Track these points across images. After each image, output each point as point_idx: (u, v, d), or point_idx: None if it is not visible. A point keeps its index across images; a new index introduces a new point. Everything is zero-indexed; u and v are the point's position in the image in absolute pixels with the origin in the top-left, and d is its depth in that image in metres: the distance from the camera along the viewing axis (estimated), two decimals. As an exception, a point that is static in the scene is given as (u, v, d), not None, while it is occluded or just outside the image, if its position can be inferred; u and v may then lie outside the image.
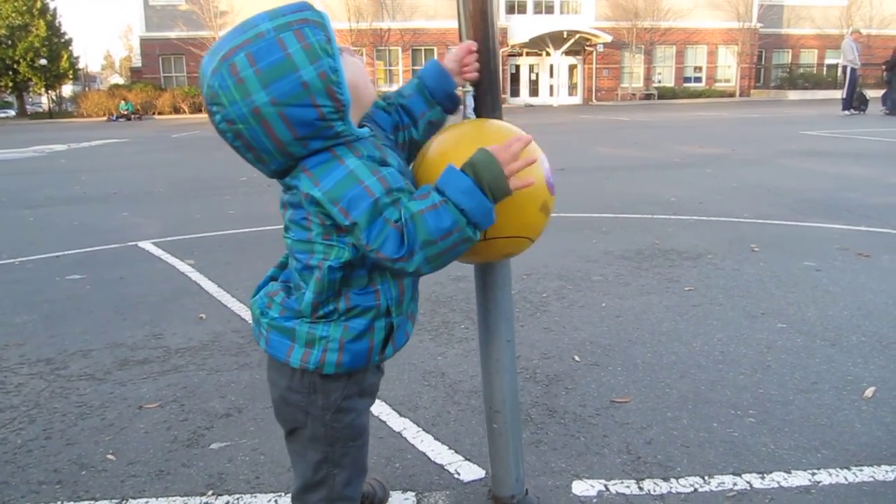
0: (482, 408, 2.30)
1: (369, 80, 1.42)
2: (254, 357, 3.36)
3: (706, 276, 4.42)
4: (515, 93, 40.80)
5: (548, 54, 39.33)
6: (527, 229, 1.58)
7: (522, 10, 40.01)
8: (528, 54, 40.24)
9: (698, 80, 42.60)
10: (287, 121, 1.23)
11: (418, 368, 3.15)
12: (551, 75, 40.28)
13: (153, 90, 38.98)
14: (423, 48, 39.80)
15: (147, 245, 5.90)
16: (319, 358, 1.37)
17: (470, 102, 1.65)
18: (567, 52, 39.29)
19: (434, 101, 1.58)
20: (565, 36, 37.37)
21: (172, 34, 38.99)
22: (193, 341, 3.54)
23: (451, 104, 1.61)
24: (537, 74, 41.05)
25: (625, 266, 4.73)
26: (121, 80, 58.23)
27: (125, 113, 36.33)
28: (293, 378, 1.42)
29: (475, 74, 1.61)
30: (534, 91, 40.97)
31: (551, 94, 40.17)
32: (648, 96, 40.00)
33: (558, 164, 10.70)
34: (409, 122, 1.57)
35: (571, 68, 41.47)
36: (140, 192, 9.14)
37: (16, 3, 43.02)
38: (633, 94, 40.36)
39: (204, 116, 35.57)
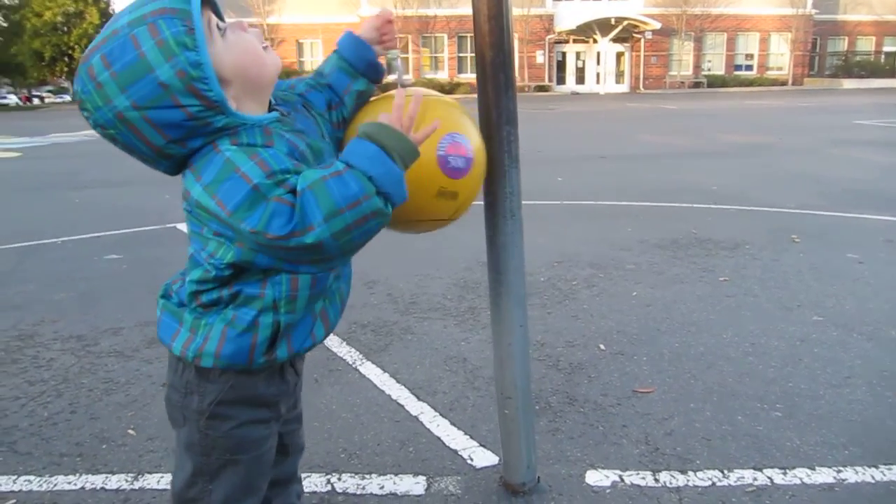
0: (498, 394, 2.27)
1: (264, 55, 1.26)
2: (279, 338, 3.37)
3: (742, 267, 4.30)
4: (561, 80, 40.33)
5: (595, 41, 38.75)
6: (423, 214, 1.47)
7: (570, -4, 39.54)
8: (574, 41, 39.71)
9: (749, 68, 41.53)
10: (154, 125, 1.13)
11: (440, 353, 3.13)
12: (598, 63, 39.71)
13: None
14: (468, 35, 39.44)
15: (185, 227, 5.99)
16: (199, 346, 1.26)
17: (400, 66, 1.57)
18: (615, 40, 38.65)
19: (356, 71, 1.49)
20: (613, 23, 36.75)
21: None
22: (221, 322, 3.57)
23: (374, 73, 1.51)
24: (584, 62, 40.50)
25: (659, 255, 4.64)
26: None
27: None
28: (174, 374, 1.33)
29: (394, 43, 1.53)
30: (580, 79, 40.44)
31: (598, 81, 39.62)
32: (697, 84, 39.18)
33: (600, 150, 10.57)
34: (338, 99, 1.48)
35: (619, 56, 40.80)
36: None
37: (69, -10, 43.97)
38: (682, 83, 39.57)
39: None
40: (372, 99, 1.54)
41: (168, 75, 1.10)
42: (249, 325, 1.25)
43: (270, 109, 1.31)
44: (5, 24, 46.01)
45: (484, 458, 2.27)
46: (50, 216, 6.80)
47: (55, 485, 2.20)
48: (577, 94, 37.32)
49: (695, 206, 6.25)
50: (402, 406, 2.65)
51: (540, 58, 39.16)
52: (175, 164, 1.22)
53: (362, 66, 1.49)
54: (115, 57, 1.10)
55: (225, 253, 1.20)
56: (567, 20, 37.66)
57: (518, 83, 34.34)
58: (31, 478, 2.24)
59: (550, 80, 39.68)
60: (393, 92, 1.38)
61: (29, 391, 2.88)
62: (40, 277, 4.58)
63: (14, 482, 2.22)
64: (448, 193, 1.43)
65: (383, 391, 2.78)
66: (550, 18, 38.53)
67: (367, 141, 1.16)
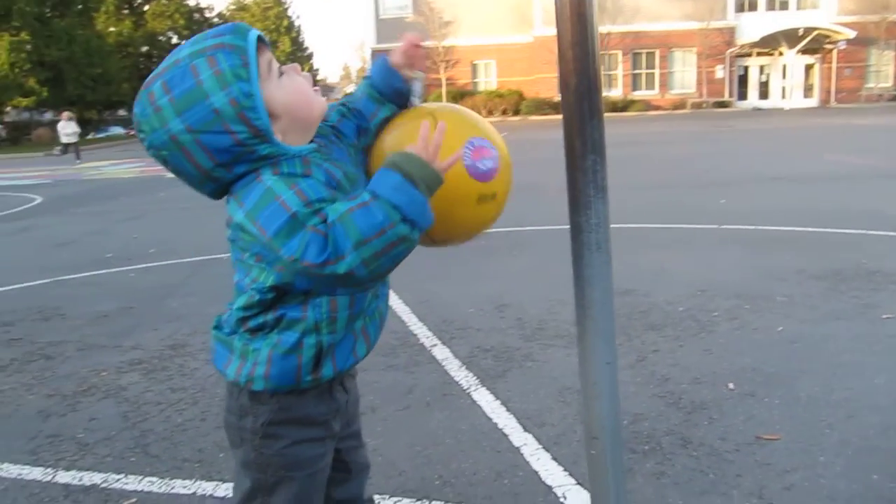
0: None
1: (313, 97, 1.35)
2: (402, 358, 3.45)
3: (914, 304, 3.86)
4: (743, 96, 38.28)
5: (780, 54, 36.49)
6: (473, 224, 1.49)
7: (753, 7, 37.41)
8: (758, 54, 37.61)
9: (963, 78, 37.35)
10: (204, 148, 1.22)
11: (557, 383, 3.05)
12: (784, 76, 37.34)
13: (380, 98, 41.40)
14: (644, 51, 38.63)
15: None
16: (250, 370, 1.33)
17: (418, 89, 1.55)
18: (803, 51, 36.18)
19: (384, 98, 1.52)
20: (801, 33, 34.40)
21: (399, 45, 41.17)
22: (352, 340, 3.70)
23: (400, 100, 1.53)
24: (768, 76, 38.21)
25: (817, 287, 4.26)
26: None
27: (356, 121, 38.86)
28: (231, 399, 1.40)
29: (423, 65, 1.55)
30: (763, 94, 38.18)
31: (783, 96, 37.20)
32: (899, 97, 35.78)
33: (775, 171, 9.91)
34: (366, 125, 1.52)
35: (808, 68, 38.13)
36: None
37: (266, 23, 47.78)
38: (880, 95, 36.21)
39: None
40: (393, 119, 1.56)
41: (222, 102, 1.20)
42: (293, 346, 1.31)
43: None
44: (211, 56, 50.83)
45: (578, 498, 2.18)
46: (218, 234, 7.34)
47: (172, 488, 2.37)
48: (760, 109, 35.28)
49: (869, 233, 5.69)
50: (507, 436, 2.60)
51: (720, 72, 37.46)
52: (219, 188, 1.30)
53: (389, 92, 1.53)
54: (175, 84, 1.21)
55: (267, 277, 1.27)
56: (750, 32, 35.79)
57: (697, 99, 32.96)
58: (154, 479, 2.43)
59: (731, 95, 37.78)
60: (408, 111, 1.46)
61: (170, 398, 3.13)
62: (203, 291, 4.97)
63: (139, 482, 2.42)
64: (488, 196, 1.45)
65: (491, 419, 2.75)
66: (732, 31, 36.78)
67: (391, 170, 1.20)
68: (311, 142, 1.37)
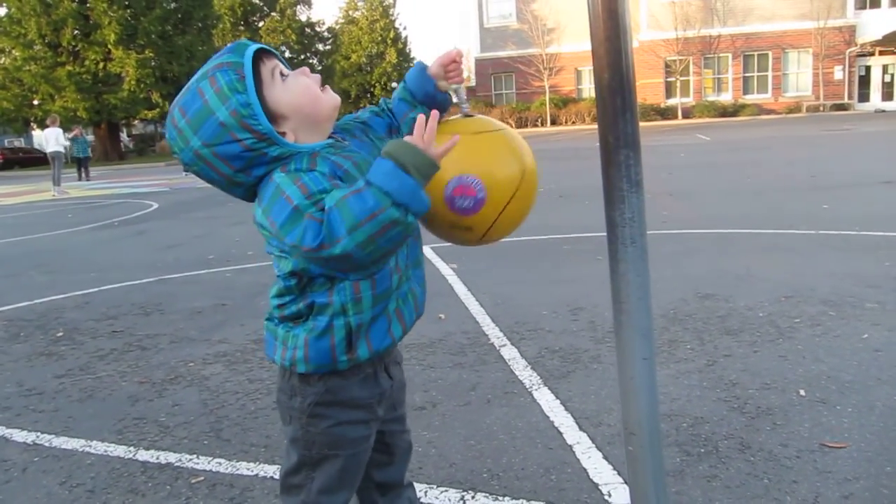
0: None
1: (320, 95, 1.44)
2: (470, 357, 3.50)
3: None
4: (864, 97, 36.22)
5: (907, 52, 34.38)
6: (450, 238, 1.59)
7: (876, 3, 35.38)
8: (881, 53, 35.54)
9: None
10: (221, 158, 1.35)
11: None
12: (911, 76, 35.11)
13: (484, 106, 41.65)
14: (755, 53, 37.21)
15: (425, 249, 6.34)
16: (292, 355, 1.43)
17: (463, 95, 1.61)
18: (933, 49, 33.96)
19: (416, 101, 1.61)
20: (931, 30, 32.31)
21: (503, 53, 41.36)
22: (424, 338, 3.79)
23: (431, 103, 1.60)
24: (892, 76, 36.04)
25: (914, 294, 4.03)
26: (459, 99, 62.70)
27: (460, 128, 38.95)
28: (281, 379, 1.51)
29: (459, 79, 1.61)
30: (887, 95, 35.96)
31: (910, 97, 35.01)
32: None
33: (890, 175, 9.37)
34: (396, 124, 1.62)
35: (939, 66, 35.72)
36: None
37: (373, 35, 48.93)
38: None
39: (527, 130, 37.16)
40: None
41: (225, 115, 1.33)
42: (325, 329, 1.41)
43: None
44: (320, 68, 52.45)
45: (623, 496, 2.17)
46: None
47: (237, 469, 2.52)
48: (883, 111, 33.25)
49: (984, 239, 5.31)
50: (561, 434, 2.62)
51: (838, 73, 35.63)
52: (246, 191, 1.43)
53: (421, 95, 1.62)
54: (188, 107, 1.35)
55: (286, 265, 1.40)
56: (872, 30, 33.84)
57: (813, 102, 31.38)
58: (222, 461, 2.59)
59: (851, 97, 35.85)
60: (446, 122, 1.50)
61: (247, 388, 3.30)
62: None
63: (208, 463, 2.58)
64: (461, 227, 1.52)
65: (548, 417, 2.77)
66: (852, 29, 34.94)
67: (384, 158, 1.28)
68: (330, 137, 1.46)
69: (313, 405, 1.47)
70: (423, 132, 1.30)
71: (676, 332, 3.66)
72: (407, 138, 1.31)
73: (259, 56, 1.38)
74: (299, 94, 1.41)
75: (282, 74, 1.41)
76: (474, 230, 1.53)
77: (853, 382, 2.88)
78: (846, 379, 2.92)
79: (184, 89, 1.39)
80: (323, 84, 1.45)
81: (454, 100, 1.65)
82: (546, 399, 2.94)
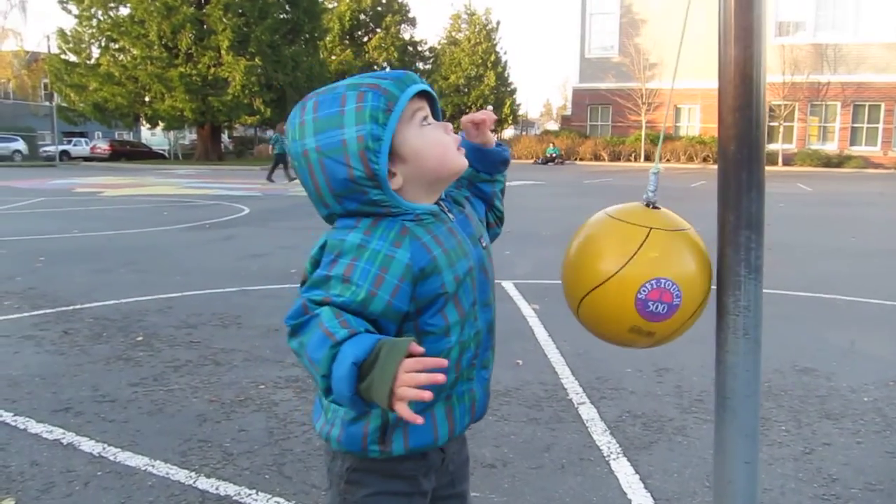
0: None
1: (452, 152, 1.33)
2: (546, 413, 3.34)
3: None
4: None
5: None
6: (617, 340, 1.49)
7: None
8: None
9: None
10: (325, 171, 1.26)
11: (706, 465, 2.80)
12: None
13: (577, 137, 41.30)
14: (866, 104, 35.65)
15: (507, 285, 6.16)
16: (328, 430, 1.36)
17: (653, 183, 1.44)
18: None
19: (491, 177, 1.54)
20: None
21: (602, 85, 40.98)
22: (500, 385, 3.63)
23: (504, 166, 1.55)
24: None
25: None
26: (554, 127, 62.71)
27: (551, 157, 38.54)
28: (326, 441, 1.42)
29: (483, 139, 1.50)
30: None
31: None
32: None
33: None
34: (489, 204, 1.56)
35: None
36: (529, 233, 9.61)
37: (473, 57, 49.43)
38: None
39: (620, 165, 36.57)
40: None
41: (351, 135, 1.24)
42: (360, 414, 1.32)
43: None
44: (419, 87, 53.39)
45: None
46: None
47: (295, 513, 2.42)
48: None
49: None
50: (638, 515, 2.42)
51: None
52: (329, 215, 1.34)
53: (491, 168, 1.54)
54: (324, 106, 1.28)
55: None
56: None
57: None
58: (281, 500, 2.50)
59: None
60: (635, 208, 1.48)
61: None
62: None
63: (266, 501, 2.50)
64: (642, 332, 1.41)
65: (625, 494, 2.58)
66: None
67: (365, 355, 1.13)
68: (436, 204, 1.36)
69: (350, 470, 1.38)
70: (410, 382, 1.09)
71: (770, 410, 3.40)
72: (404, 364, 1.11)
73: (416, 94, 1.30)
74: (431, 144, 1.32)
75: (424, 119, 1.33)
76: (655, 336, 1.44)
77: (975, 496, 2.58)
78: (966, 490, 2.62)
79: (330, 86, 1.32)
80: (459, 147, 1.36)
81: (650, 186, 1.51)
82: (625, 472, 2.74)
